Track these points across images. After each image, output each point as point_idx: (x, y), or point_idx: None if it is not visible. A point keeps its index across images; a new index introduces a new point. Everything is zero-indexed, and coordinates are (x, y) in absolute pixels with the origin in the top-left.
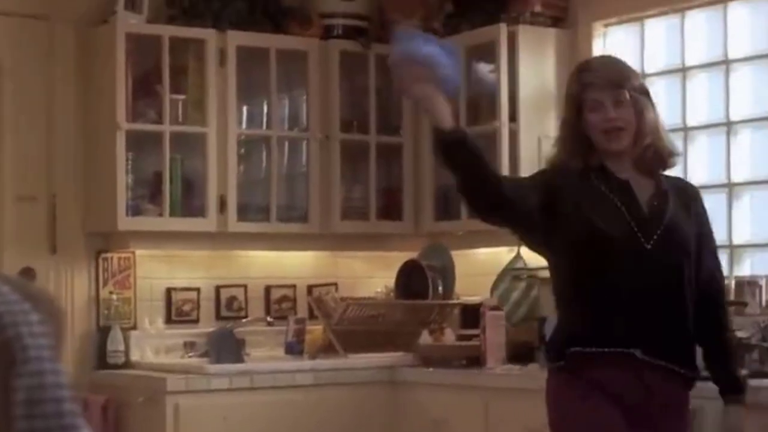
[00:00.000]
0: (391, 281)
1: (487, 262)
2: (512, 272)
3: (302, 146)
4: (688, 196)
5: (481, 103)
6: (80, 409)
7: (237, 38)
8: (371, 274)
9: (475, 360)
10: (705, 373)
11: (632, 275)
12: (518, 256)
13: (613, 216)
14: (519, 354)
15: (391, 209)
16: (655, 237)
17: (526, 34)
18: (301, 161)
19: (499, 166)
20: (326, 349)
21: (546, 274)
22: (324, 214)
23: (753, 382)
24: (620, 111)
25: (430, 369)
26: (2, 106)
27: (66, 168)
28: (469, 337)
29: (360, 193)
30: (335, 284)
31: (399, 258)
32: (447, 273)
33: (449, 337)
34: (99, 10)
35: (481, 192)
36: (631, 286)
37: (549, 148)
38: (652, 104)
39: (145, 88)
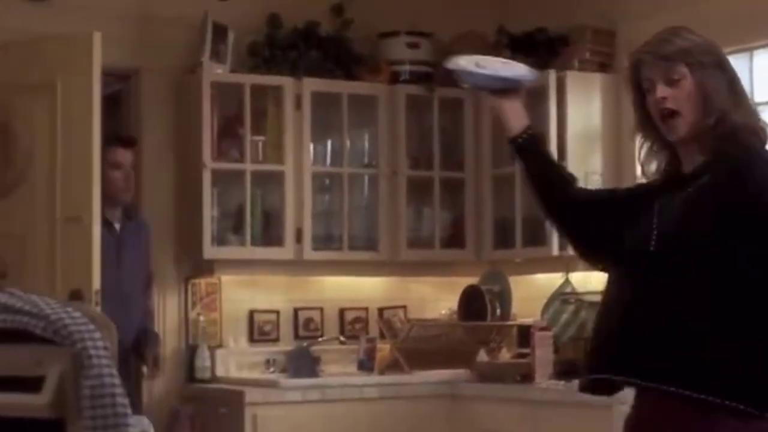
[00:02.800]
0: (454, 304)
1: (541, 287)
2: (561, 296)
3: (372, 181)
4: (732, 180)
5: None
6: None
7: (312, 85)
8: (436, 298)
9: (527, 376)
10: None
11: (629, 281)
12: (567, 281)
13: (644, 221)
14: (566, 371)
15: (454, 238)
16: (657, 234)
17: (574, 79)
18: (370, 195)
19: None
20: (393, 366)
21: (592, 298)
22: (392, 243)
23: None
24: (675, 91)
25: (486, 384)
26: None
27: (160, 202)
28: (525, 355)
29: (425, 224)
30: (404, 307)
31: (461, 283)
32: (504, 296)
33: (504, 355)
34: (189, 61)
35: (550, 192)
36: (625, 296)
37: (592, 183)
38: (728, 76)
39: (228, 131)
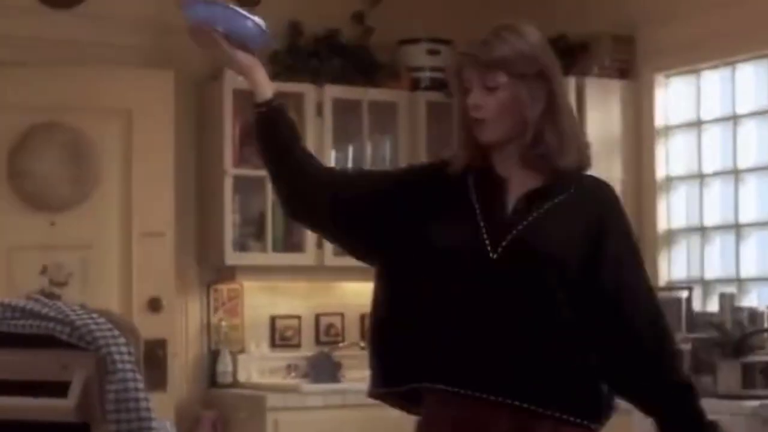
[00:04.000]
0: None
1: None
2: None
3: None
4: (595, 198)
5: None
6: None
7: (333, 92)
8: None
9: None
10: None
11: (469, 292)
12: None
13: (461, 220)
14: None
15: None
16: (503, 243)
17: (593, 85)
18: None
19: None
20: None
21: None
22: None
23: None
24: (489, 99)
25: None
26: (132, 150)
27: (181, 208)
28: None
29: None
30: None
31: None
32: None
33: None
34: (211, 68)
35: (303, 179)
36: (466, 306)
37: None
38: (549, 87)
39: (250, 138)
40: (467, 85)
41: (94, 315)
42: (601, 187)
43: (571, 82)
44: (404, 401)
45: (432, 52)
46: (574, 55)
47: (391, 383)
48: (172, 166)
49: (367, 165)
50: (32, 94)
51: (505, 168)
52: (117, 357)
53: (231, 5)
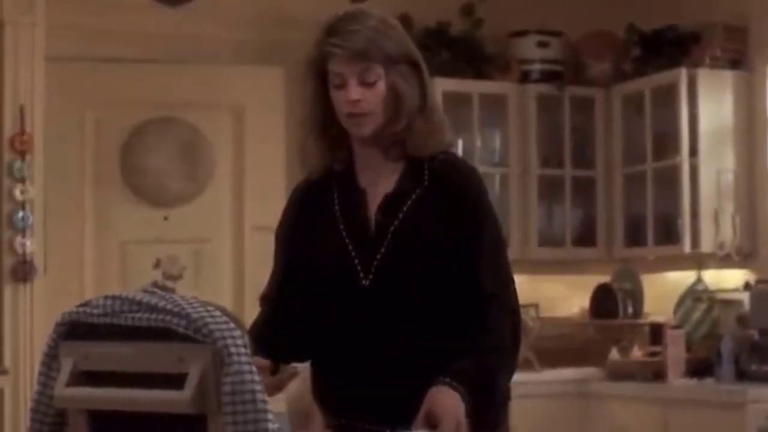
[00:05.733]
0: (585, 302)
1: (673, 285)
2: (694, 294)
3: (503, 180)
4: (454, 192)
5: (665, 140)
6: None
7: (443, 84)
8: (568, 296)
9: (659, 374)
10: None
11: (345, 323)
12: (699, 280)
13: (332, 243)
14: (698, 369)
15: (585, 237)
16: (373, 268)
17: (705, 76)
18: (502, 194)
19: (681, 198)
20: (524, 364)
21: (725, 296)
22: (523, 242)
23: None
24: (369, 92)
25: (618, 383)
26: (244, 145)
27: (282, 201)
28: (657, 354)
29: (556, 222)
30: (536, 305)
31: (593, 281)
32: (636, 295)
33: (636, 353)
34: None
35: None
36: (344, 339)
37: (725, 181)
38: (420, 79)
39: None
40: (337, 81)
41: (210, 307)
42: (458, 173)
43: (683, 73)
44: None
45: (542, 44)
46: (685, 46)
47: None
48: (284, 160)
49: (477, 158)
50: (146, 91)
51: (364, 164)
52: (233, 350)
53: None
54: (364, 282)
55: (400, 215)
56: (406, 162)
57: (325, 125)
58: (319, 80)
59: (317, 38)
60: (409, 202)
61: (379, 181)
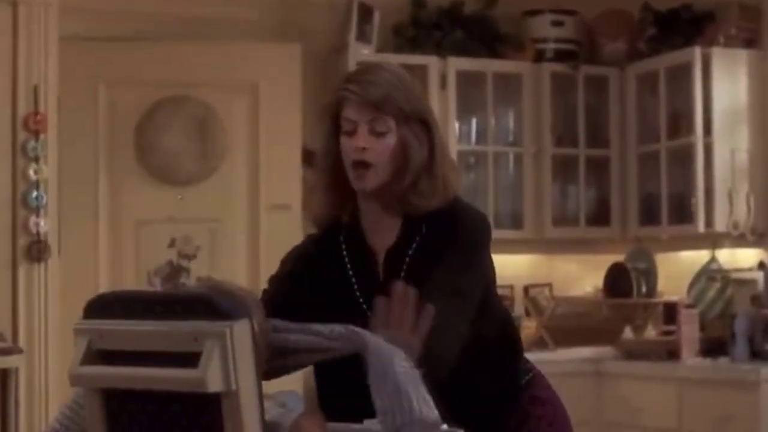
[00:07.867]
0: (599, 281)
1: (687, 264)
2: (707, 273)
3: (517, 159)
4: (444, 241)
5: (680, 120)
6: None
7: (457, 64)
8: (582, 275)
9: (673, 354)
10: None
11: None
12: (714, 259)
13: (348, 304)
14: (712, 348)
15: (599, 216)
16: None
17: (719, 55)
18: (516, 173)
19: (695, 177)
20: (538, 343)
21: (739, 275)
22: (537, 221)
23: None
24: (377, 143)
25: (631, 362)
26: (259, 124)
27: (297, 181)
28: (670, 333)
29: (570, 202)
30: (550, 284)
31: (607, 260)
32: (650, 274)
33: (650, 332)
34: (335, 41)
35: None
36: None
37: (739, 160)
38: (431, 138)
39: None
40: (347, 127)
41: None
42: (454, 216)
43: (697, 52)
44: None
45: (556, 24)
46: (699, 25)
47: None
48: (299, 139)
49: (491, 137)
50: (160, 69)
51: (368, 219)
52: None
53: None
54: None
55: (402, 273)
56: (405, 212)
57: (334, 174)
58: (333, 127)
59: (336, 85)
60: (410, 252)
61: (383, 236)
